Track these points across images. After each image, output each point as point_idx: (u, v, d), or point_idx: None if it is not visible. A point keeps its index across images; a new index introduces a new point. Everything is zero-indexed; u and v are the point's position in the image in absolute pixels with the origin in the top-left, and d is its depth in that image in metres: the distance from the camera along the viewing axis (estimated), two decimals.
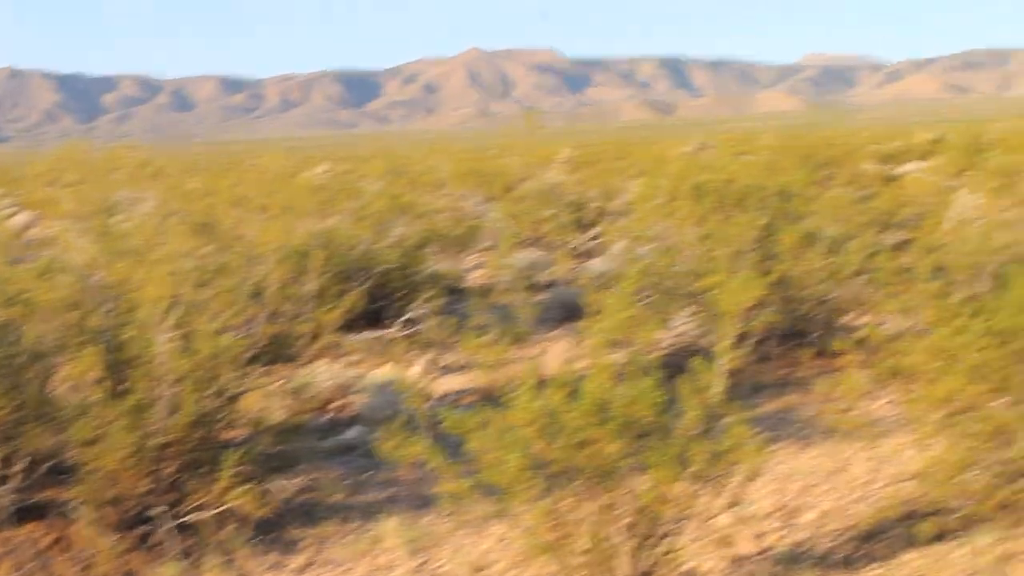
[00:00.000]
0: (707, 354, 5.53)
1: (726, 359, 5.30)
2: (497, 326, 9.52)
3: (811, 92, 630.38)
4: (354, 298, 10.93)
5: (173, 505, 6.64)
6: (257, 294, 10.26)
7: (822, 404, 8.89)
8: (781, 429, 8.53)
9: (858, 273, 10.31)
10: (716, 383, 5.27)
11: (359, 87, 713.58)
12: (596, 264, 15.16)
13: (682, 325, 10.37)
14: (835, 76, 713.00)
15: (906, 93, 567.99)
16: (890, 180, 23.95)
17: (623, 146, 46.50)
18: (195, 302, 7.67)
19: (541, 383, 5.07)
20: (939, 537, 6.03)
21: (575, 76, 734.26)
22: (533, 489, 4.84)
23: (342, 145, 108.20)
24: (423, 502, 7.18)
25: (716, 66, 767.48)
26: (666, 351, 10.25)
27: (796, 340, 10.33)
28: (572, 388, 5.05)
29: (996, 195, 14.47)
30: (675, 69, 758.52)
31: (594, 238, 17.40)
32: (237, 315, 8.25)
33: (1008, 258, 9.15)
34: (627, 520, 5.14)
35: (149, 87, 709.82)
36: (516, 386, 5.10)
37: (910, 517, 6.46)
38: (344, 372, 10.17)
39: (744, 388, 9.56)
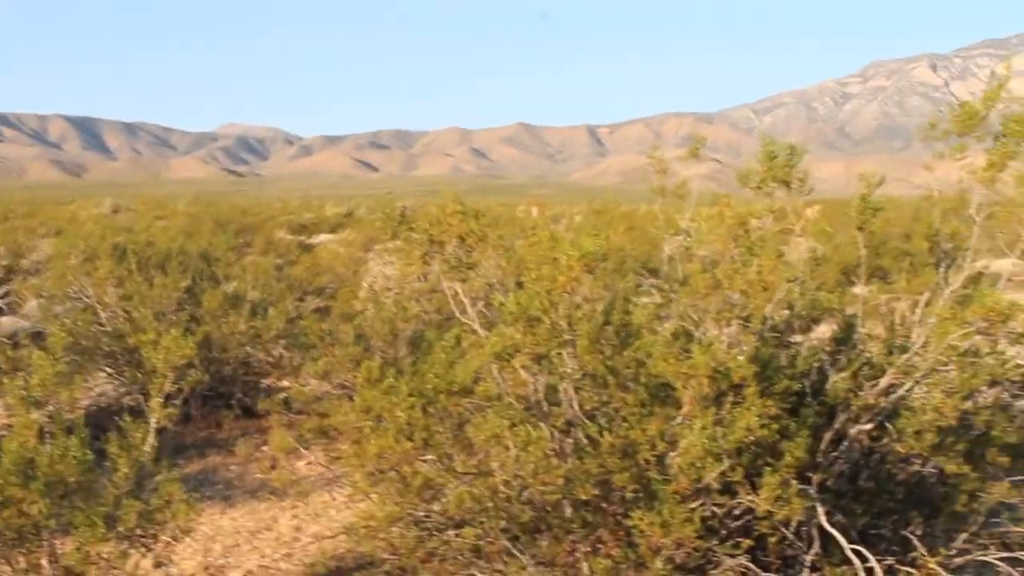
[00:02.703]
0: (137, 412, 5.45)
1: (156, 417, 5.23)
2: None
3: (226, 161, 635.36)
4: None
5: None
6: None
7: (245, 464, 8.97)
8: (204, 490, 8.51)
9: (279, 337, 10.55)
10: (148, 441, 5.19)
11: None
12: (6, 322, 14.38)
13: (102, 385, 10.07)
14: (250, 147, 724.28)
15: (318, 167, 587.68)
16: (306, 249, 24.78)
17: (33, 204, 44.46)
18: None
19: None
20: None
21: None
22: None
23: None
24: None
25: (131, 129, 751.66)
26: (85, 410, 9.89)
27: (219, 401, 10.37)
28: None
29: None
30: (88, 130, 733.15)
31: (3, 296, 16.43)
32: None
33: (421, 325, 9.78)
34: None
35: None
36: None
37: (338, 572, 6.68)
38: None
39: (167, 448, 9.43)
